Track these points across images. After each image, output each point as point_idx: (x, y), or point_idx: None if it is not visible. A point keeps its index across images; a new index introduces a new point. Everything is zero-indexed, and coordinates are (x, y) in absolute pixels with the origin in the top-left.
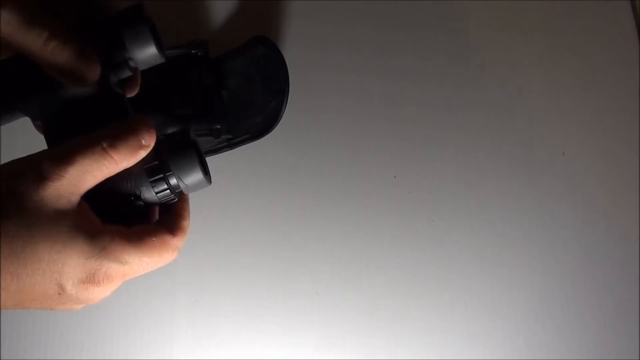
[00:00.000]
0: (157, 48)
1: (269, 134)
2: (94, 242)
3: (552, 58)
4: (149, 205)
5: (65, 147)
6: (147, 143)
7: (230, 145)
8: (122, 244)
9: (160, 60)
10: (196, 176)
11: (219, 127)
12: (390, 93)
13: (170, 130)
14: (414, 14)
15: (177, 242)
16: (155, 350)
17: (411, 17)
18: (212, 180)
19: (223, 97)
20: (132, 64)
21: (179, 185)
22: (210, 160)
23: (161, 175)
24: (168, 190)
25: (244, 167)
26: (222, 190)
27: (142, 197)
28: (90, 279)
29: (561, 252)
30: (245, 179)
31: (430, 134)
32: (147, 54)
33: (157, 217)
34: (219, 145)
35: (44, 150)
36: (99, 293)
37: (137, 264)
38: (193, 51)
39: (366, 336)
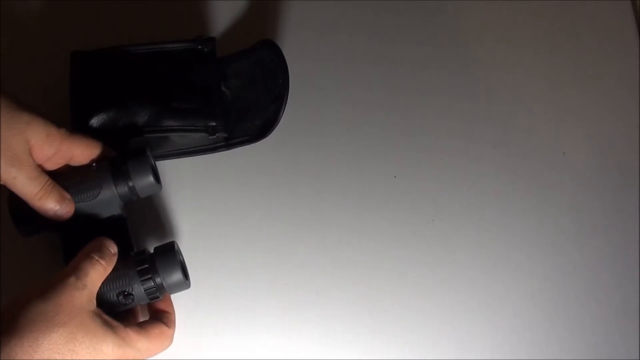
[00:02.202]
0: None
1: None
2: (117, 334)
3: (553, 58)
4: (137, 300)
5: (78, 266)
6: (114, 251)
7: (228, 145)
8: (135, 335)
9: (158, 189)
10: (177, 277)
11: (214, 124)
12: (390, 92)
13: (166, 123)
14: (414, 19)
15: (172, 332)
16: None
17: (411, 19)
18: (211, 181)
19: (224, 96)
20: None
21: (163, 284)
22: (210, 159)
23: (149, 276)
24: (154, 287)
25: (244, 166)
26: (222, 190)
27: (133, 292)
28: None
29: (561, 252)
30: (245, 178)
31: (431, 134)
32: (146, 182)
33: (140, 314)
34: (217, 145)
35: (64, 272)
36: None
37: (146, 350)
38: (199, 47)
39: (366, 336)
